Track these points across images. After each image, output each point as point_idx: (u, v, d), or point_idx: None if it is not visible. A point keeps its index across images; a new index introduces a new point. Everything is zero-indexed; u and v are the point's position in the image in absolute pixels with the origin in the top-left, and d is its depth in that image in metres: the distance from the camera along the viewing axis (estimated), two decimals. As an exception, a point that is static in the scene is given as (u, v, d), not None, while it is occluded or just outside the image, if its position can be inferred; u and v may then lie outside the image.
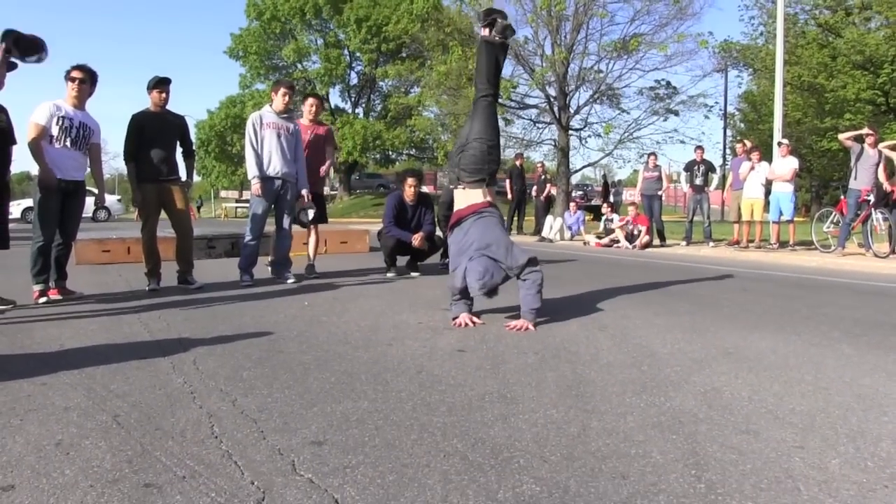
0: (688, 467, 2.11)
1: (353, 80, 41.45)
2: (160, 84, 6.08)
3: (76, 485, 1.98)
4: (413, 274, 7.40)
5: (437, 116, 33.19)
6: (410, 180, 7.40)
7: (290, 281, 6.62)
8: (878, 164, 10.03)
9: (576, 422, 2.53)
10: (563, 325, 4.50)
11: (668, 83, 24.69)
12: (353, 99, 42.44)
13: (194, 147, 7.07)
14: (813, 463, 2.13)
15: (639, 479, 2.02)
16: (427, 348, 3.78)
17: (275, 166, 6.45)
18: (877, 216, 9.99)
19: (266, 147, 6.42)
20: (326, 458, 2.18)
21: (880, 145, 10.26)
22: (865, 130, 10.28)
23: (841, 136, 10.78)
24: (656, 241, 13.51)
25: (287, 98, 6.53)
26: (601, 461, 2.16)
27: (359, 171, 45.53)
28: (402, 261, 7.72)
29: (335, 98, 42.26)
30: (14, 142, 5.01)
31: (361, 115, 41.27)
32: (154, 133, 6.02)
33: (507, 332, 4.25)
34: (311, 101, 7.52)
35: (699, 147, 13.68)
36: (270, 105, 6.59)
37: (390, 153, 41.09)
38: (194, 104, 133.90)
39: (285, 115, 6.57)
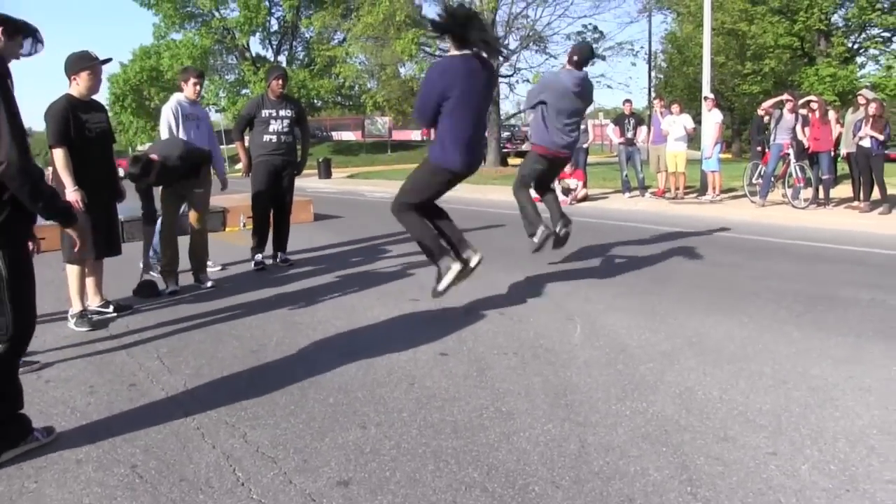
0: (682, 484, 2.39)
1: (274, 26, 40.16)
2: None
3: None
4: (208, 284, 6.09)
5: (362, 65, 32.74)
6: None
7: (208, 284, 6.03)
8: (794, 127, 10.79)
9: (573, 437, 2.78)
10: (532, 315, 4.73)
11: (596, 27, 25.00)
12: (274, 47, 41.19)
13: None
14: (787, 470, 2.45)
15: (644, 502, 2.29)
16: (410, 353, 3.96)
17: None
18: (795, 168, 10.70)
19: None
20: (357, 501, 2.36)
21: (797, 105, 10.99)
22: (785, 97, 10.99)
23: (763, 105, 11.44)
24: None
25: (198, 87, 6.38)
26: (607, 483, 2.42)
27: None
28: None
29: (255, 46, 40.95)
30: (114, 140, 5.15)
31: (284, 64, 40.18)
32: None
33: (479, 326, 4.46)
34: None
35: (627, 101, 14.04)
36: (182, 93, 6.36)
37: (316, 102, 40.34)
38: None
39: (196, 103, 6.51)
